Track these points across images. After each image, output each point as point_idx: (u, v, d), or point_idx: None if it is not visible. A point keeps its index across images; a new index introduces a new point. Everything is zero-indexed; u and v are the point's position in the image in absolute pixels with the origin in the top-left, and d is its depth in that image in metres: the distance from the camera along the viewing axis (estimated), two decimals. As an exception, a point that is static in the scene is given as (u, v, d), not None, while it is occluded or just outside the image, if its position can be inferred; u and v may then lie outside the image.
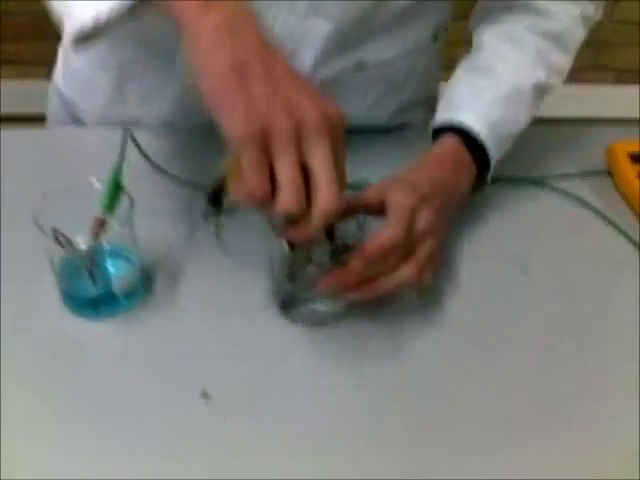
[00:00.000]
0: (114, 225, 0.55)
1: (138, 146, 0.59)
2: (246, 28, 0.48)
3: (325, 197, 0.46)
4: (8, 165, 0.72)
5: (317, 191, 0.47)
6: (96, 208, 0.56)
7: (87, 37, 0.55)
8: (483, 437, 0.51)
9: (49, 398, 0.52)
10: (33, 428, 0.50)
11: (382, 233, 0.54)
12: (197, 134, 0.77)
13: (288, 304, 0.60)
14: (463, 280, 0.64)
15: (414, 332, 0.59)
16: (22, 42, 2.05)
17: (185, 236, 0.66)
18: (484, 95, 0.68)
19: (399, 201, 0.56)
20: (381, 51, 0.74)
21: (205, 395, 0.53)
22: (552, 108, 0.79)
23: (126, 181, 0.57)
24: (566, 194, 0.74)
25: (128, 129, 0.57)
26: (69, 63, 0.82)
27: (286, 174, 0.46)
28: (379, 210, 0.56)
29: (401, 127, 0.83)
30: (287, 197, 0.46)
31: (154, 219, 0.66)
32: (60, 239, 0.54)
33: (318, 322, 0.59)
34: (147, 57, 0.74)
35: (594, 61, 2.17)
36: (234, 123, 0.45)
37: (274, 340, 0.58)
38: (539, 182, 0.76)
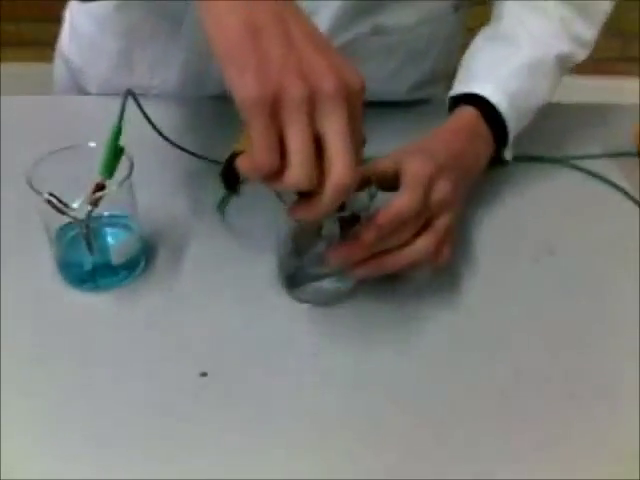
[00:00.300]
0: (113, 190, 0.52)
1: (141, 108, 0.56)
2: None
3: (339, 170, 0.43)
4: (4, 131, 0.70)
5: (331, 164, 0.43)
6: (95, 172, 0.53)
7: None
8: (485, 431, 0.48)
9: (46, 372, 0.50)
10: (30, 403, 0.48)
11: (396, 201, 0.50)
12: (206, 105, 0.74)
13: (294, 282, 0.56)
14: (481, 261, 0.61)
15: (426, 315, 0.56)
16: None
17: (190, 209, 0.63)
18: (504, 65, 0.65)
19: (415, 169, 0.52)
20: (400, 16, 0.71)
21: (203, 374, 0.50)
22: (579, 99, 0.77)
23: (128, 148, 0.54)
24: (591, 174, 0.71)
25: (129, 89, 0.54)
26: (75, 27, 0.80)
27: (296, 143, 0.42)
28: (393, 181, 0.53)
29: (421, 102, 0.80)
30: (296, 169, 0.42)
31: (157, 189, 0.64)
32: (56, 205, 0.51)
33: (325, 301, 0.56)
34: (154, 21, 0.72)
35: (622, 53, 2.12)
36: (243, 85, 0.42)
37: (276, 319, 0.54)
38: (563, 161, 0.72)
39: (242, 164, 0.44)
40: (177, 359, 0.51)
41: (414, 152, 0.55)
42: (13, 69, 2.01)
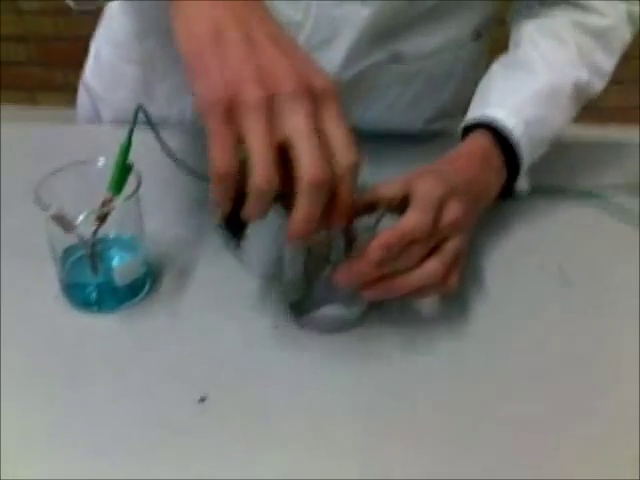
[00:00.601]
0: (119, 204, 0.51)
1: (151, 124, 0.55)
2: None
3: (306, 168, 0.42)
4: (11, 155, 0.70)
5: (298, 164, 0.42)
6: (102, 190, 0.52)
7: None
8: (488, 438, 0.47)
9: (47, 394, 0.49)
10: (31, 423, 0.47)
11: (404, 220, 0.49)
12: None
13: (300, 309, 0.54)
14: (492, 290, 0.58)
15: (435, 344, 0.53)
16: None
17: (196, 232, 0.62)
18: (519, 91, 0.63)
19: (426, 189, 0.51)
20: (418, 44, 0.70)
21: (203, 399, 0.48)
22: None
23: (137, 169, 0.53)
24: (613, 206, 0.69)
25: (140, 104, 0.54)
26: (98, 55, 0.82)
27: (253, 145, 0.41)
28: (403, 205, 0.51)
29: (436, 136, 0.78)
30: (256, 171, 0.41)
31: (164, 213, 0.64)
32: (62, 220, 0.50)
33: (331, 329, 0.54)
34: (173, 51, 0.72)
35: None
36: (200, 90, 0.42)
37: (279, 344, 0.53)
38: (583, 194, 0.70)
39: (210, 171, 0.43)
40: (177, 382, 0.50)
41: (425, 173, 0.54)
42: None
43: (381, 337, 0.54)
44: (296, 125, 0.42)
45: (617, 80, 0.69)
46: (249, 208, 0.44)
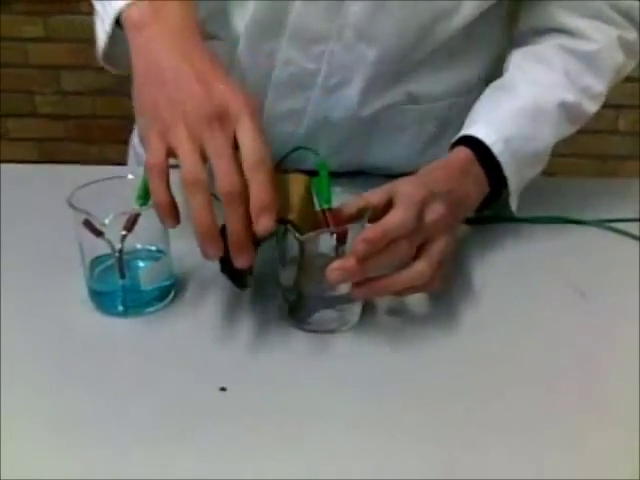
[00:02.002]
0: (146, 219, 0.54)
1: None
2: (168, 38, 0.53)
3: (219, 182, 0.47)
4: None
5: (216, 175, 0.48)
6: (130, 202, 0.56)
7: (107, 56, 0.63)
8: (485, 438, 0.46)
9: (74, 394, 0.50)
10: (59, 423, 0.48)
11: (387, 217, 0.51)
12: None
13: (298, 312, 0.56)
14: (510, 315, 0.60)
15: (432, 344, 0.55)
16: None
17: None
18: (501, 108, 0.66)
19: (409, 191, 0.53)
20: (430, 85, 0.74)
21: (222, 389, 0.50)
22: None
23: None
24: (624, 235, 0.70)
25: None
26: None
27: (183, 160, 0.48)
28: (388, 210, 0.54)
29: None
30: (218, 179, 0.48)
31: (189, 229, 0.65)
32: (93, 225, 0.53)
33: (329, 330, 0.56)
34: None
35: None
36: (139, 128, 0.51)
37: (282, 345, 0.55)
38: (597, 224, 0.72)
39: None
40: (198, 378, 0.51)
41: (407, 179, 0.57)
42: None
43: (378, 336, 0.55)
44: (211, 147, 0.48)
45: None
46: (229, 219, 0.48)
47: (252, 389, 0.50)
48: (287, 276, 0.56)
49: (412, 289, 0.54)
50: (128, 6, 0.55)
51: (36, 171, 0.83)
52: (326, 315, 0.56)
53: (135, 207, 0.55)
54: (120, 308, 0.57)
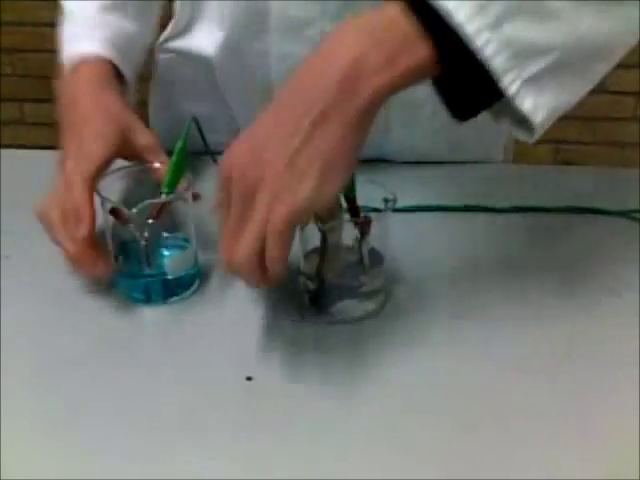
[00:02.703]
0: (172, 206, 0.55)
1: (202, 135, 0.60)
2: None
3: None
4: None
5: None
6: (157, 190, 0.56)
7: None
8: (484, 436, 0.46)
9: (84, 386, 0.51)
10: (79, 408, 0.48)
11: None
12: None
13: (319, 302, 0.56)
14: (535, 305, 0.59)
15: (453, 335, 0.54)
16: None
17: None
18: None
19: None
20: None
21: (249, 378, 0.50)
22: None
23: (189, 174, 0.57)
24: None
25: (194, 117, 0.58)
26: None
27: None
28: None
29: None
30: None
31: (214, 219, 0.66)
32: (119, 215, 0.54)
33: (349, 321, 0.56)
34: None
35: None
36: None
37: (313, 339, 0.55)
38: (624, 214, 0.71)
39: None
40: (223, 368, 0.51)
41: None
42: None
43: (400, 326, 0.55)
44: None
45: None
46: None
47: (278, 379, 0.50)
48: (308, 266, 0.56)
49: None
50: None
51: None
52: (348, 305, 0.56)
53: (162, 196, 0.55)
54: (143, 296, 0.58)
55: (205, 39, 0.74)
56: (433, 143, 0.79)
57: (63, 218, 0.54)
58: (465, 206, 0.71)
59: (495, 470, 0.43)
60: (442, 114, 0.76)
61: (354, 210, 0.53)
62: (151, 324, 0.56)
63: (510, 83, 0.44)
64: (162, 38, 0.79)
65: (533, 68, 0.44)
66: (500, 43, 0.43)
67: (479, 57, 0.43)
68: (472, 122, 0.78)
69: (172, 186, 0.55)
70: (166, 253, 0.58)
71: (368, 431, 0.46)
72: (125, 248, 0.57)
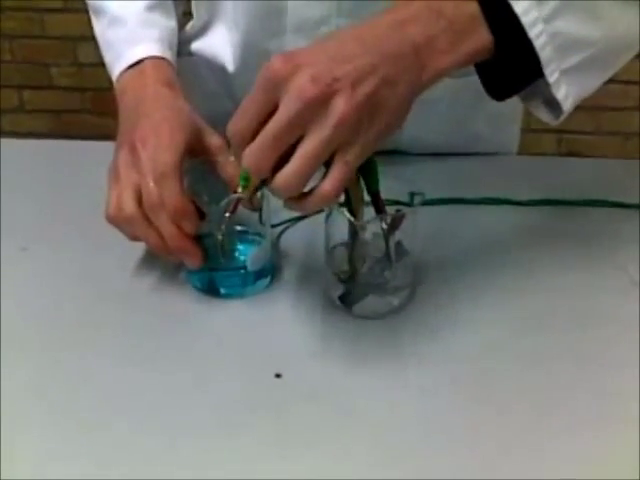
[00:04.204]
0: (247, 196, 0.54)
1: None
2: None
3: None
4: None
5: None
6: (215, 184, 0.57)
7: None
8: (483, 436, 0.46)
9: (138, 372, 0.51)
10: (135, 395, 0.49)
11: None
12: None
13: (347, 297, 0.56)
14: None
15: (478, 329, 0.54)
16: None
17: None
18: None
19: (298, 85, 0.43)
20: None
21: (278, 375, 0.50)
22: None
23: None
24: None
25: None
26: None
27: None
28: None
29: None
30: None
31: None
32: (197, 205, 0.55)
33: (378, 316, 0.55)
34: None
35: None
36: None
37: (341, 335, 0.54)
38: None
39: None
40: (253, 364, 0.51)
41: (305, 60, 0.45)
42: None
43: (427, 322, 0.55)
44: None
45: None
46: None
47: (307, 375, 0.50)
48: (335, 261, 0.55)
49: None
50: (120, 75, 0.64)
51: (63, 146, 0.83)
52: (375, 301, 0.55)
53: (239, 190, 0.54)
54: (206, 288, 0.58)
55: (221, 41, 0.74)
56: (448, 136, 0.79)
57: (146, 213, 0.54)
58: (487, 199, 0.71)
59: (495, 470, 0.43)
60: (458, 109, 0.76)
61: (377, 204, 0.53)
62: (179, 319, 0.56)
63: (551, 72, 0.48)
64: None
65: (571, 60, 0.48)
66: (549, 36, 0.46)
67: (533, 46, 0.46)
68: (488, 116, 0.79)
69: (247, 180, 0.54)
70: (240, 247, 0.58)
71: (400, 427, 0.46)
72: (199, 241, 0.56)
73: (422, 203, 0.54)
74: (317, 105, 0.42)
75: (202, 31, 0.77)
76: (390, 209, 0.53)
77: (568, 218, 0.69)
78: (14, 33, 2.16)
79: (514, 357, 0.52)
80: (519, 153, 0.87)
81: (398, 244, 0.54)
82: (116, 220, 0.55)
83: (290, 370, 0.50)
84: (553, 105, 0.50)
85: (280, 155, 0.44)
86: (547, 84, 0.48)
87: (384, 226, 0.53)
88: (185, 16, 0.77)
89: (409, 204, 0.54)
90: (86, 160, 0.79)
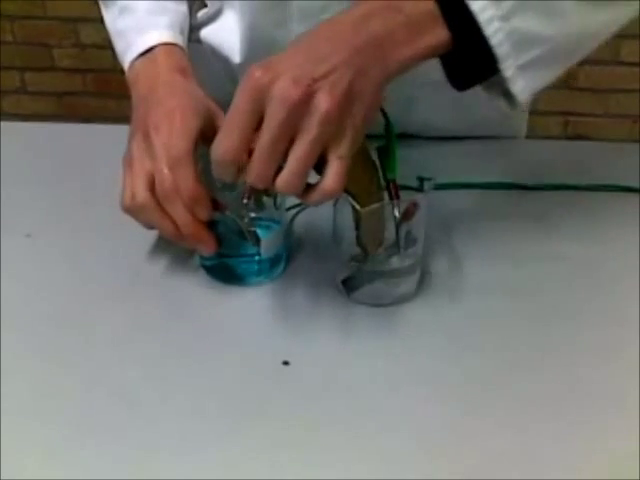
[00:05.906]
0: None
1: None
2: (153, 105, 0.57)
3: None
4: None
5: None
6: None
7: None
8: (484, 436, 0.45)
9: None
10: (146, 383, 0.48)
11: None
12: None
13: (354, 285, 0.55)
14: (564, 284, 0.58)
15: (485, 320, 0.54)
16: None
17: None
18: None
19: (280, 92, 0.44)
20: None
21: (285, 363, 0.50)
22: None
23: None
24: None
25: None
26: None
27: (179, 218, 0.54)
28: None
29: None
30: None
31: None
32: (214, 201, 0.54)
33: (382, 303, 0.55)
34: None
35: None
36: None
37: (349, 322, 0.54)
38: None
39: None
40: (260, 352, 0.51)
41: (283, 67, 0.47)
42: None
43: (435, 310, 0.54)
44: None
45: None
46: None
47: (314, 363, 0.50)
48: (344, 249, 0.55)
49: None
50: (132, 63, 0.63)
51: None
52: (382, 289, 0.55)
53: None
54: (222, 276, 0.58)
55: (229, 29, 0.73)
56: (457, 120, 0.78)
57: (160, 199, 0.54)
58: (495, 183, 0.70)
59: (495, 470, 0.43)
60: (467, 92, 0.75)
61: (391, 191, 0.52)
62: (187, 305, 0.55)
63: (507, 67, 0.49)
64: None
65: (527, 56, 0.49)
66: (506, 33, 0.48)
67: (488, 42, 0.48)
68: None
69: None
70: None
71: (405, 416, 0.46)
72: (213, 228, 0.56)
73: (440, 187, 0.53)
74: (301, 106, 0.44)
75: (212, 18, 0.76)
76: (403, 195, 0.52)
77: (576, 202, 0.68)
78: (15, 14, 2.14)
79: (522, 347, 0.51)
80: (527, 137, 0.86)
81: (408, 232, 0.54)
82: (130, 209, 0.55)
83: (298, 358, 0.50)
84: (511, 96, 0.52)
85: (280, 161, 0.46)
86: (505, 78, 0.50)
87: (397, 214, 0.52)
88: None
89: (418, 189, 0.54)
90: (88, 142, 0.79)
